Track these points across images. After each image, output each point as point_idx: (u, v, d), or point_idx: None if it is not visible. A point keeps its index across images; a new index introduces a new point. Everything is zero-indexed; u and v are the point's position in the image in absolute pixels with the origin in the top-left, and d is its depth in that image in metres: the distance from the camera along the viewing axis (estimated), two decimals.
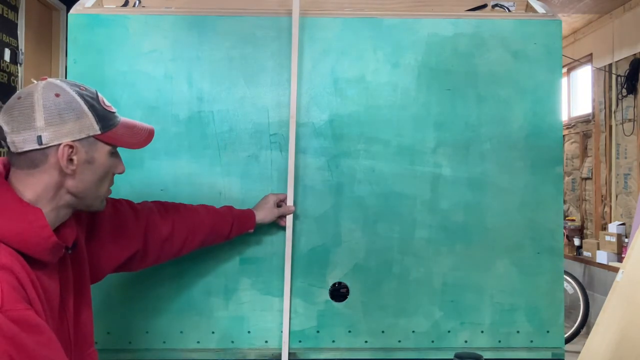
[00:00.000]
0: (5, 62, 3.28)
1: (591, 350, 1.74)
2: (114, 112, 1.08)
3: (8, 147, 1.00)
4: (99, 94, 1.07)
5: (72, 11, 1.61)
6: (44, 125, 0.98)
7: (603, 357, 1.69)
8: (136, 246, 1.29)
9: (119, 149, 1.12)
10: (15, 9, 3.40)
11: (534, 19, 1.66)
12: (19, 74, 3.43)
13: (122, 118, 1.11)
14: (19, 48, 3.44)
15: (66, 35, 1.75)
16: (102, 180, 1.08)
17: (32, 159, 0.99)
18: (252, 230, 1.53)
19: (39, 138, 0.98)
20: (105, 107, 1.06)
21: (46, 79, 1.03)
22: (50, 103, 0.98)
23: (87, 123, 1.02)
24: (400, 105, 1.63)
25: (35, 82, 1.04)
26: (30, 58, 3.59)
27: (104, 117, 1.05)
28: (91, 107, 1.02)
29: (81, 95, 1.02)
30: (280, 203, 1.57)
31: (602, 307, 1.77)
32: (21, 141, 0.97)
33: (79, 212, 1.14)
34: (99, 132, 1.03)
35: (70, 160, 1.01)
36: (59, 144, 0.99)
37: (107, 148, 1.07)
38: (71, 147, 1.00)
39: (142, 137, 1.13)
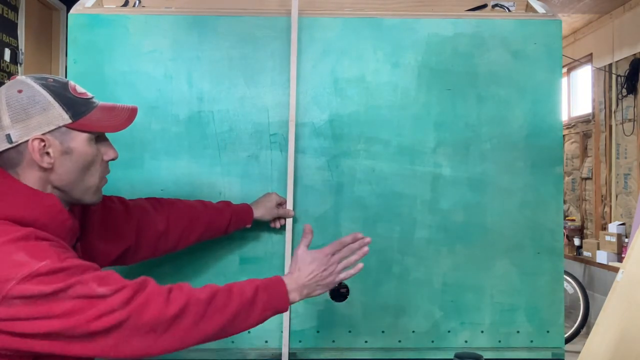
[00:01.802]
0: (5, 62, 3.28)
1: (591, 350, 1.74)
2: (88, 99, 1.06)
3: None
4: (71, 82, 1.05)
5: (72, 11, 1.61)
6: (10, 123, 0.98)
7: (603, 357, 1.69)
8: (127, 242, 1.29)
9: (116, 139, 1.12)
10: (15, 9, 3.40)
11: (534, 19, 1.66)
12: (19, 74, 3.43)
13: (101, 103, 1.08)
14: (19, 48, 3.44)
15: (66, 35, 1.74)
16: (88, 170, 1.06)
17: (10, 158, 1.00)
18: (249, 226, 1.53)
19: (8, 136, 0.98)
20: (77, 94, 1.04)
21: (15, 77, 1.03)
22: (13, 100, 0.98)
23: (54, 114, 1.00)
24: (400, 105, 1.63)
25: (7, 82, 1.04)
26: (30, 58, 3.59)
27: (74, 105, 1.02)
28: (58, 97, 1.01)
29: (46, 87, 1.01)
30: (279, 205, 1.56)
31: (602, 307, 1.77)
32: None
33: (73, 210, 1.14)
34: (69, 121, 1.01)
35: (47, 153, 1.00)
36: (29, 139, 0.99)
37: (85, 136, 1.04)
38: (42, 140, 0.99)
39: (122, 119, 1.09)
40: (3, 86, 1.02)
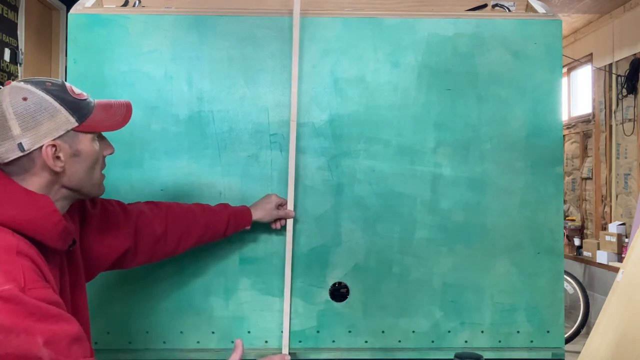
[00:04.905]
0: (5, 62, 3.28)
1: (591, 350, 1.74)
2: (85, 99, 1.07)
3: None
4: (67, 83, 1.06)
5: (72, 11, 1.61)
6: (21, 132, 0.98)
7: (603, 357, 1.69)
8: (126, 245, 1.29)
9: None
10: (15, 9, 3.40)
11: (534, 18, 1.66)
12: (19, 74, 3.43)
13: (96, 101, 1.10)
14: (19, 48, 3.44)
15: (66, 35, 1.74)
16: (94, 167, 1.10)
17: (21, 165, 1.01)
18: (248, 227, 1.53)
19: (20, 145, 0.99)
20: (75, 96, 1.05)
21: (10, 83, 1.02)
22: (20, 109, 0.98)
23: (62, 119, 1.02)
24: (400, 105, 1.63)
25: (1, 87, 1.04)
26: (30, 58, 3.59)
27: (78, 108, 1.04)
28: (62, 101, 1.02)
29: (49, 92, 1.01)
30: (279, 206, 1.56)
31: (603, 307, 1.77)
32: (4, 152, 0.99)
33: (72, 212, 1.14)
34: (76, 124, 1.04)
35: (57, 157, 1.02)
36: (41, 146, 1.00)
37: (89, 136, 1.07)
38: (54, 146, 1.01)
39: (120, 117, 1.12)
40: (2, 95, 1.00)
